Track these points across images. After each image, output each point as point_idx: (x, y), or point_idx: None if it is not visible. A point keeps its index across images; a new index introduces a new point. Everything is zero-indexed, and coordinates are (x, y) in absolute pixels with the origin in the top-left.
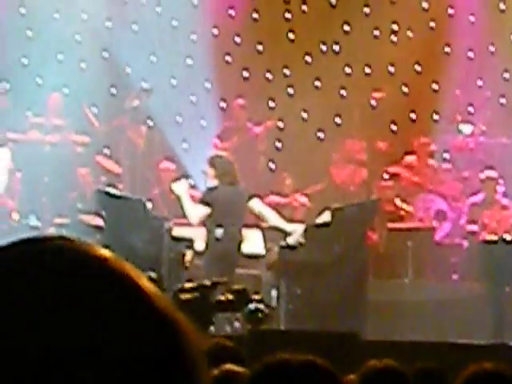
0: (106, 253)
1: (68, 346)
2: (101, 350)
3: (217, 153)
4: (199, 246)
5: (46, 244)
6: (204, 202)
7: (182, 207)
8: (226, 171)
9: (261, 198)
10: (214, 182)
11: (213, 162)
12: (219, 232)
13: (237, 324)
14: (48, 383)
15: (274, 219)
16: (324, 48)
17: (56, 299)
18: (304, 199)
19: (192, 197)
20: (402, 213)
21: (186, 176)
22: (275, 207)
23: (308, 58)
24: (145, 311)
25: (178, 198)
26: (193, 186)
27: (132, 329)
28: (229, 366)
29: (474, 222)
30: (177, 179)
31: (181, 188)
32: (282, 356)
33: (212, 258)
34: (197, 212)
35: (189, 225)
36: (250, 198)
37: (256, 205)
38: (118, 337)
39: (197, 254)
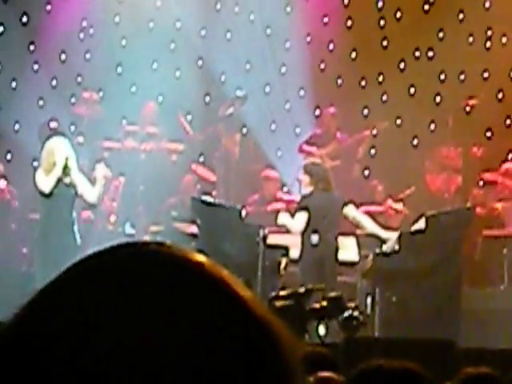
0: (202, 258)
1: (163, 350)
2: (198, 355)
3: (312, 160)
4: (294, 253)
5: (143, 248)
6: (302, 208)
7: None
8: (321, 178)
9: (356, 204)
10: (308, 189)
11: (308, 169)
12: (315, 238)
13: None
14: None
15: (370, 225)
16: (418, 54)
17: (153, 303)
18: (399, 205)
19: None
20: (498, 220)
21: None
22: (370, 214)
23: (402, 65)
24: (243, 317)
25: (287, 229)
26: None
27: (230, 334)
28: (325, 373)
29: None
30: (280, 213)
31: (284, 220)
32: (377, 362)
33: (309, 265)
34: (298, 222)
35: (284, 232)
36: (345, 204)
37: (351, 211)
38: (216, 342)
39: (292, 261)
